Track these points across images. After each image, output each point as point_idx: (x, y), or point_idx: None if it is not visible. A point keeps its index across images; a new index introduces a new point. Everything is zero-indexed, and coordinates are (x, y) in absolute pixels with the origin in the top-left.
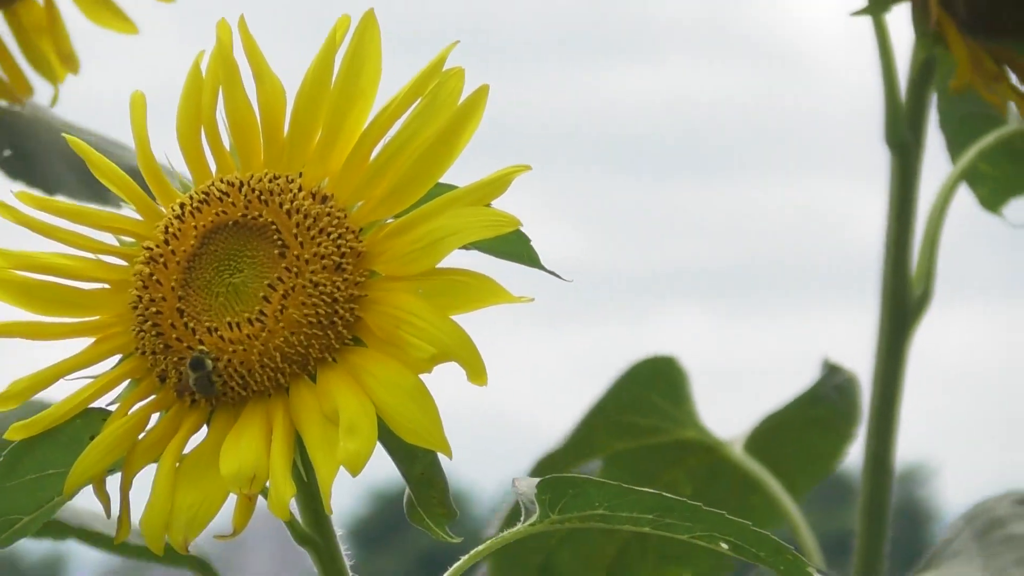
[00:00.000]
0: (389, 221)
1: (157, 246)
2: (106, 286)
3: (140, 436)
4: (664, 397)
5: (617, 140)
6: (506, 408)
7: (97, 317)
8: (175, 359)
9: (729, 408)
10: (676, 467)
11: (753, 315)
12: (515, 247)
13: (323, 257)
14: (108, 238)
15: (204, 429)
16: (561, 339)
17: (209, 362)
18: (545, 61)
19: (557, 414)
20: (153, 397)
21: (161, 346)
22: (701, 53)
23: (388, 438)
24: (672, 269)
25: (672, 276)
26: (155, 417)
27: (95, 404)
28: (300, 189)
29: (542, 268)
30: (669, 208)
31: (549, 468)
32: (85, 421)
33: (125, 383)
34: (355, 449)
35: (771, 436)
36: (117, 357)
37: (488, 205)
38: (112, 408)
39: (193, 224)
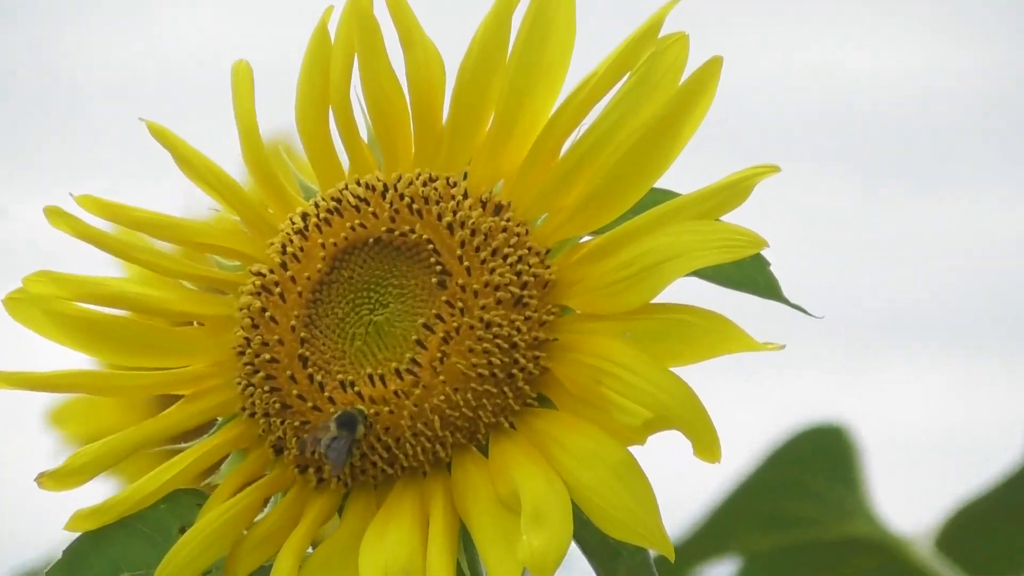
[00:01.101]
0: (586, 239)
1: (271, 271)
2: (200, 324)
3: (248, 527)
4: (828, 479)
5: (817, 132)
6: None
7: (188, 366)
8: (296, 423)
9: (914, 491)
10: (839, 570)
11: (972, 368)
12: (747, 272)
13: (498, 288)
14: (203, 260)
15: (336, 518)
16: (708, 388)
17: (362, 426)
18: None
19: (689, 490)
20: (266, 475)
21: (277, 406)
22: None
23: (584, 530)
24: (873, 305)
25: (871, 315)
26: (269, 502)
27: (187, 484)
28: (465, 195)
29: (784, 301)
30: (877, 225)
31: (667, 567)
32: (173, 507)
33: (227, 456)
34: (542, 545)
35: (969, 531)
36: (215, 421)
37: (719, 218)
38: (210, 490)
39: (320, 241)
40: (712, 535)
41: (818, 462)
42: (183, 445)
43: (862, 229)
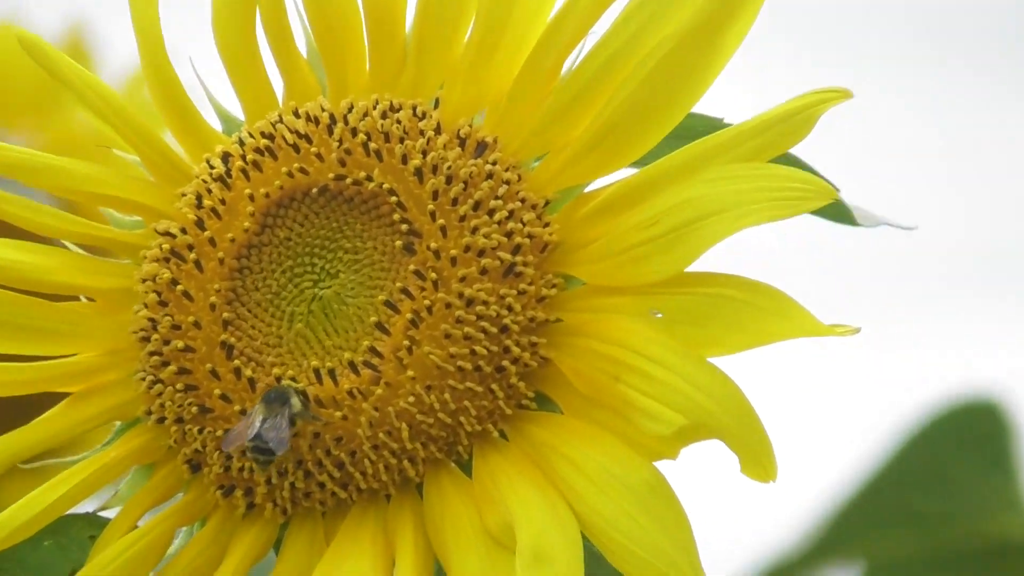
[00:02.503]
0: (596, 187)
1: (183, 230)
2: (90, 299)
3: (156, 567)
4: (975, 468)
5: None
6: (717, 473)
7: (73, 355)
8: (219, 432)
9: None
10: None
11: None
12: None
13: (482, 253)
14: (92, 216)
15: (271, 555)
16: (833, 362)
17: (297, 398)
18: None
19: (806, 488)
20: (179, 498)
21: (194, 409)
22: None
23: (598, 569)
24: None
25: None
26: (180, 534)
27: (77, 508)
28: (438, 130)
29: (853, 222)
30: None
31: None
32: (60, 542)
33: (128, 474)
34: None
35: None
36: (112, 427)
37: (773, 159)
38: (108, 515)
39: (247, 192)
40: (833, 538)
41: (964, 447)
42: (67, 460)
43: (953, 143)
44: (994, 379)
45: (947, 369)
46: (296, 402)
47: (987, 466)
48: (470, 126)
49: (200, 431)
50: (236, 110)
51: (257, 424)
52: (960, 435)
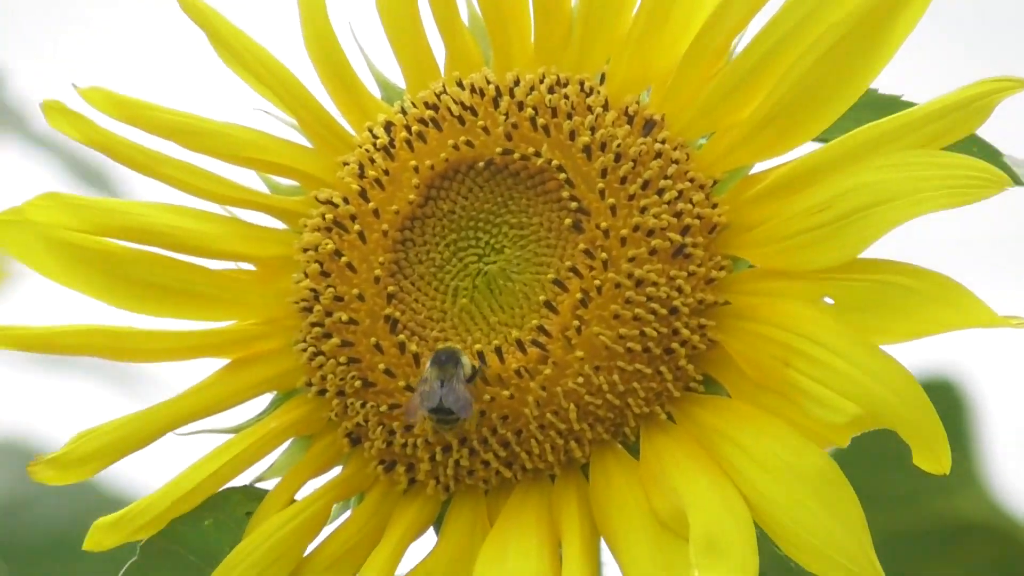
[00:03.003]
0: (759, 168)
1: (346, 200)
2: (249, 266)
3: (314, 543)
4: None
5: None
6: None
7: (233, 322)
8: (382, 407)
9: None
10: (946, 560)
11: None
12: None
13: (652, 233)
14: (253, 180)
15: (430, 532)
16: None
17: (467, 360)
18: None
19: None
20: (339, 471)
21: (357, 383)
22: None
23: (770, 560)
24: None
25: None
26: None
27: (233, 481)
28: (606, 106)
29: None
30: None
31: None
32: (221, 520)
33: (285, 444)
34: None
35: None
36: (267, 397)
37: (945, 147)
38: (264, 486)
39: (412, 163)
40: None
41: None
42: (223, 429)
43: None
44: (951, 358)
45: (904, 348)
46: (466, 362)
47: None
48: (637, 103)
49: (362, 405)
50: (395, 77)
51: (436, 389)
52: None
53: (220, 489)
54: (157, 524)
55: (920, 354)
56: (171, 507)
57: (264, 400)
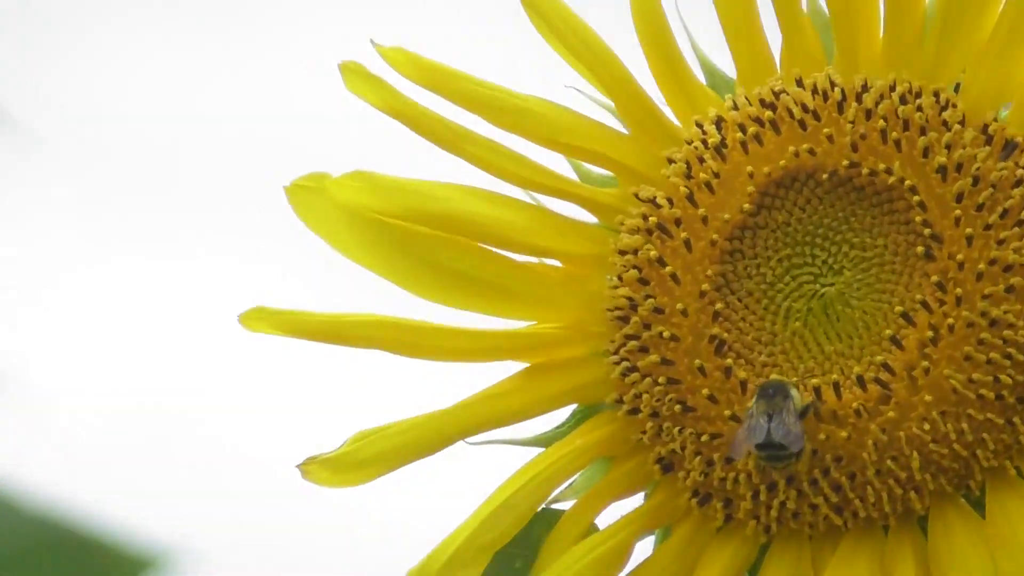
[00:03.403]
0: None
1: (671, 201)
2: (554, 263)
3: (619, 572)
4: None
5: None
6: None
7: (534, 323)
8: (704, 436)
9: None
10: None
11: None
12: None
13: (1009, 268)
14: (562, 167)
15: None
16: None
17: (796, 391)
18: None
19: None
20: (642, 499)
21: (676, 407)
22: None
23: None
24: None
25: None
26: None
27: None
28: (963, 123)
29: None
30: None
31: None
32: (525, 551)
33: (587, 466)
34: None
35: None
36: (568, 409)
37: None
38: (559, 505)
39: (747, 168)
40: None
41: None
42: (519, 439)
43: None
44: None
45: None
46: (796, 395)
47: None
48: (995, 120)
49: (680, 431)
50: (723, 65)
51: (764, 423)
52: None
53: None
54: (476, 566)
55: None
56: (492, 540)
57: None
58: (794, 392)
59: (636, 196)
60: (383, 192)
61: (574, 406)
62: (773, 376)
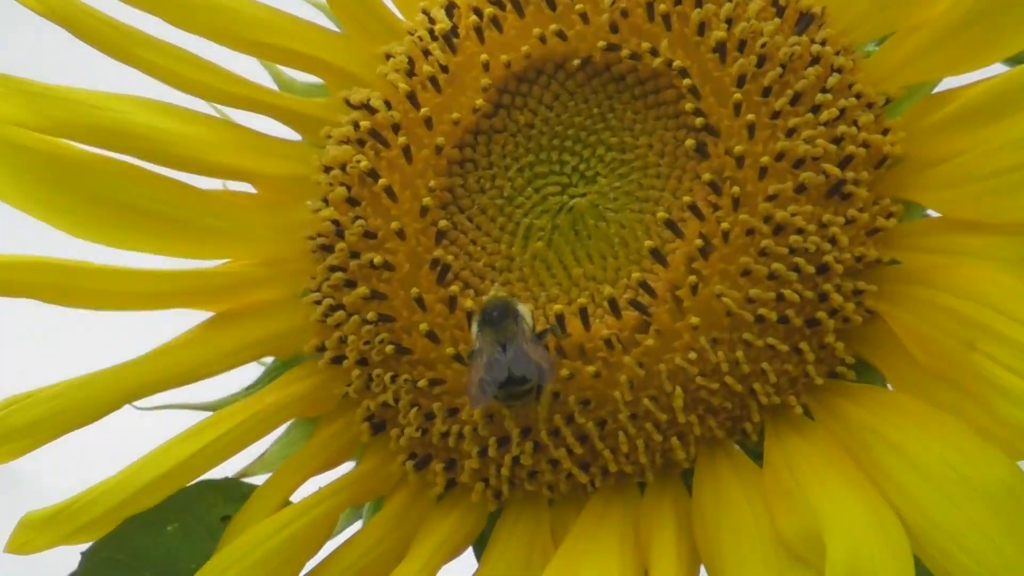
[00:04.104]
0: (943, 88)
1: (388, 104)
2: (249, 188)
3: (316, 553)
4: None
5: None
6: None
7: (225, 260)
8: (421, 382)
9: None
10: None
11: None
12: None
13: (801, 164)
14: (257, 73)
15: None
16: None
17: (526, 310)
18: None
19: None
20: (354, 466)
21: (387, 349)
22: None
23: None
24: None
25: None
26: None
27: (211, 472)
28: None
29: None
30: None
31: None
32: (184, 525)
33: (282, 427)
34: None
35: None
36: (259, 365)
37: None
38: (255, 481)
39: (482, 58)
40: None
41: None
42: (201, 404)
43: None
44: None
45: None
46: (526, 312)
47: None
48: None
49: (392, 379)
50: None
51: (499, 355)
52: None
53: (191, 483)
54: (106, 524)
55: None
56: (125, 502)
57: (255, 369)
58: (522, 309)
59: (347, 102)
60: (29, 100)
61: (271, 361)
62: (493, 292)
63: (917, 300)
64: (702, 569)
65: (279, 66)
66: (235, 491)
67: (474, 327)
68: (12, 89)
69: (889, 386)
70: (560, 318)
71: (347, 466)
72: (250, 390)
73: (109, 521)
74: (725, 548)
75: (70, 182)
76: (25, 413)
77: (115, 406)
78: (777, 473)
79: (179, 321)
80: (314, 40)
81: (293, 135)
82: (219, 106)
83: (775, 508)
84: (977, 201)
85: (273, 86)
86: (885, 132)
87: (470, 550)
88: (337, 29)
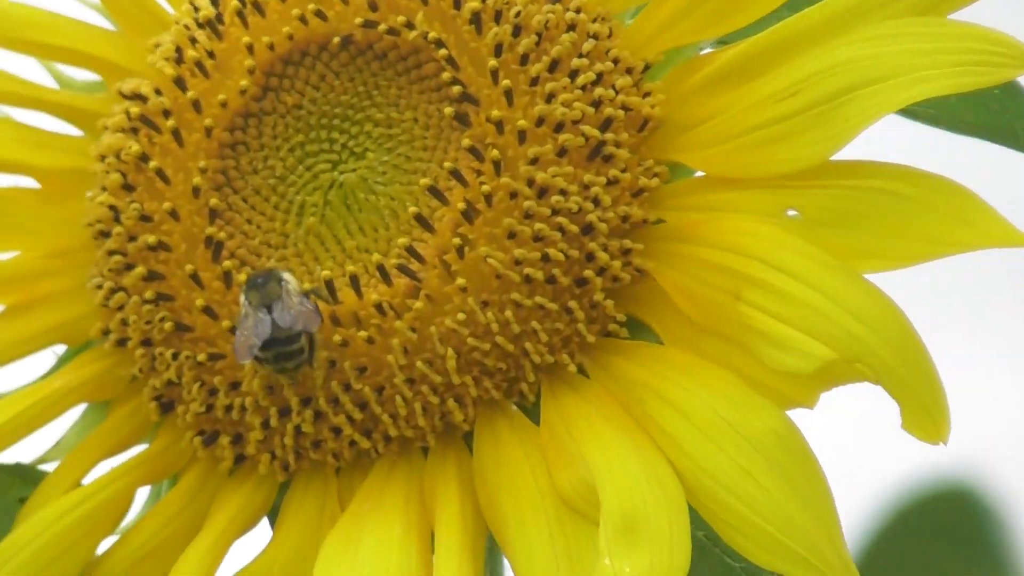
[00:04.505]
0: (709, 49)
1: (157, 91)
2: (31, 183)
3: (112, 534)
4: (953, 559)
5: None
6: None
7: (10, 255)
8: (200, 357)
9: None
10: None
11: None
12: (994, 111)
13: (560, 127)
14: (35, 71)
15: (264, 523)
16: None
17: (292, 277)
18: None
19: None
20: (144, 447)
21: (167, 326)
22: None
23: (705, 555)
24: None
25: None
26: (145, 493)
27: (3, 456)
28: None
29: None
30: None
31: None
32: None
33: (74, 411)
34: (636, 573)
35: None
36: (51, 353)
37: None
38: (47, 467)
39: (245, 41)
40: None
41: (941, 536)
42: None
43: None
44: (968, 450)
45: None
46: (291, 277)
47: (967, 557)
48: None
49: (174, 356)
50: None
51: (264, 316)
52: (936, 523)
53: None
54: None
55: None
56: None
57: (48, 358)
58: (287, 276)
59: (120, 93)
60: None
61: (63, 349)
62: (263, 268)
63: (683, 256)
64: None
65: (57, 64)
66: (30, 475)
67: (242, 297)
68: None
69: (661, 341)
70: (329, 283)
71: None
72: (45, 376)
73: None
74: (505, 504)
75: None
76: None
77: None
78: (553, 430)
79: None
80: (88, 38)
81: (74, 131)
82: None
83: (552, 464)
84: (734, 157)
85: (53, 84)
86: (646, 95)
87: (267, 524)
88: (112, 27)
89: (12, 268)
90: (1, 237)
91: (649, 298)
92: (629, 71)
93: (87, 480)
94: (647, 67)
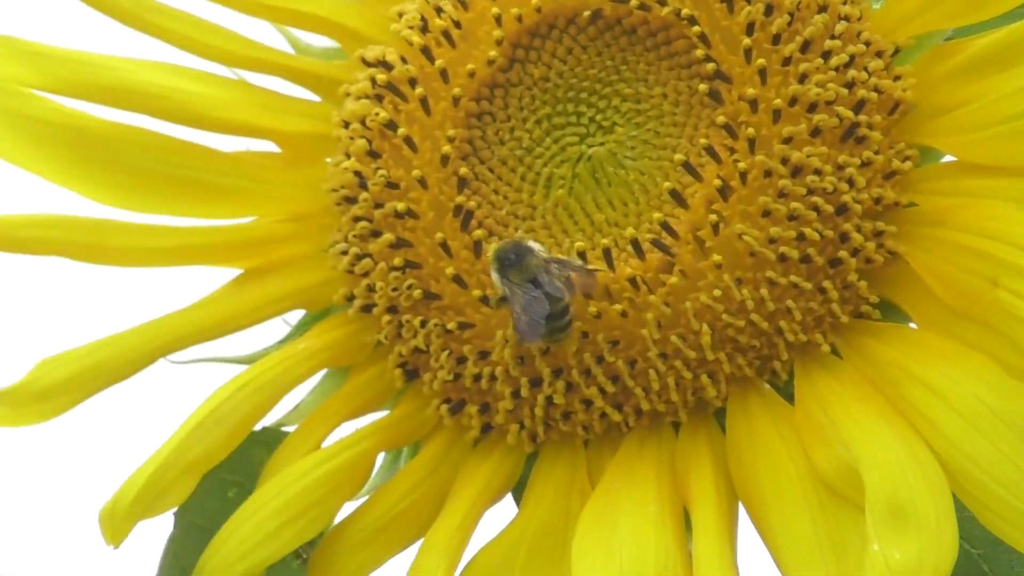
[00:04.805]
0: (952, 35)
1: (403, 60)
2: (272, 147)
3: (352, 499)
4: None
5: None
6: None
7: (249, 219)
8: (450, 325)
9: None
10: None
11: None
12: None
13: (814, 108)
14: (274, 37)
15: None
16: None
17: (541, 250)
18: None
19: None
20: (383, 414)
21: (415, 294)
22: None
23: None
24: None
25: None
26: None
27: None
28: None
29: None
30: None
31: None
32: (238, 476)
33: (318, 376)
34: (912, 563)
35: None
36: (293, 316)
37: None
38: (288, 428)
39: (493, 11)
40: None
41: None
42: (233, 357)
43: None
44: None
45: None
46: (537, 245)
47: None
48: None
49: (422, 324)
50: None
51: (534, 292)
52: None
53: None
54: (180, 490)
55: None
56: (198, 459)
57: (282, 326)
58: (536, 245)
59: (363, 60)
60: (33, 60)
61: (302, 314)
62: (504, 242)
63: (937, 240)
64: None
65: (294, 30)
66: (276, 441)
67: (495, 276)
68: (14, 50)
69: (914, 325)
70: (582, 255)
71: (381, 414)
72: (281, 344)
73: (188, 482)
74: (763, 486)
75: (92, 149)
76: (60, 371)
77: (149, 360)
78: (808, 410)
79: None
80: (332, 4)
81: (312, 97)
82: (237, 70)
83: (809, 445)
84: (989, 146)
85: (289, 50)
86: (897, 79)
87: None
88: None
89: (251, 231)
90: (243, 201)
91: (901, 281)
92: (879, 54)
93: (325, 444)
94: (896, 50)
